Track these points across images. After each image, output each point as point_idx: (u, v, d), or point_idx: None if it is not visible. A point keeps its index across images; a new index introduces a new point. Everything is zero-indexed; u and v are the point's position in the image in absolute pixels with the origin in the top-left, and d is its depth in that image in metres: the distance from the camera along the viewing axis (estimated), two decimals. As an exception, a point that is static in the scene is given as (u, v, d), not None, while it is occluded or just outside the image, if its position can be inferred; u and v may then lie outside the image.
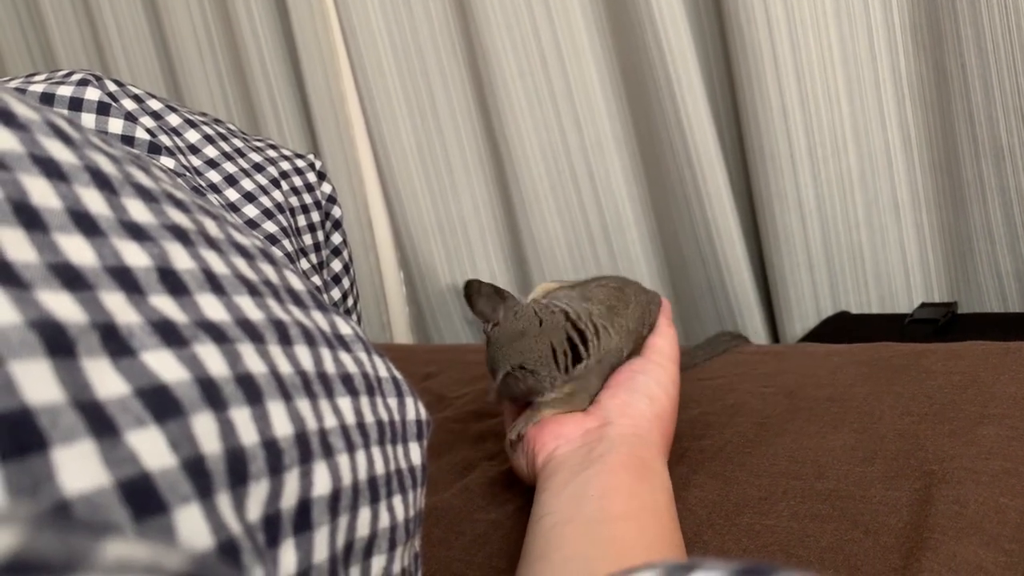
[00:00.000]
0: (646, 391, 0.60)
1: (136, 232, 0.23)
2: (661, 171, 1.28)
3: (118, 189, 0.23)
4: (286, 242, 0.58)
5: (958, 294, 1.15)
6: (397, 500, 0.29)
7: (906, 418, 0.62)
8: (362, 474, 0.27)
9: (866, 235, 1.19)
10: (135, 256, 0.22)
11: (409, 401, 0.33)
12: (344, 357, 0.29)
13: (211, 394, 0.21)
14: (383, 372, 0.32)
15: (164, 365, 0.20)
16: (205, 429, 0.20)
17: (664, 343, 0.65)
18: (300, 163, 0.75)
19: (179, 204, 0.25)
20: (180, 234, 0.24)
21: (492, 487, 0.66)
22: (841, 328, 1.16)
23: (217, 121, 0.74)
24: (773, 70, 1.15)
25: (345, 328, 0.30)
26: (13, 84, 0.54)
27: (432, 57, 1.39)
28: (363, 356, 0.30)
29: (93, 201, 0.22)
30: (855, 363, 0.75)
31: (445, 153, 1.43)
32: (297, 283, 0.29)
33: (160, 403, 0.19)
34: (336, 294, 0.76)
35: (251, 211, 0.58)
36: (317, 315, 0.29)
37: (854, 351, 0.79)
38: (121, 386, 0.19)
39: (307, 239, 0.73)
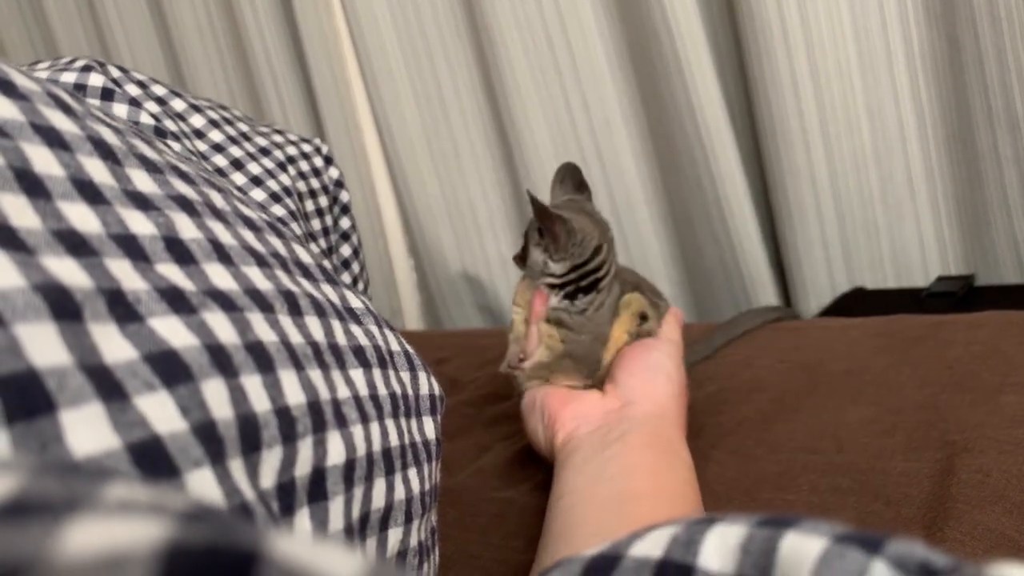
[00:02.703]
0: (664, 369, 0.59)
1: (141, 201, 0.22)
2: (671, 150, 1.27)
3: (121, 159, 0.23)
4: (294, 226, 0.58)
5: (975, 266, 1.14)
6: (412, 473, 0.29)
7: (926, 389, 0.61)
8: (376, 445, 0.27)
9: (881, 210, 1.17)
10: (140, 225, 0.21)
11: (422, 375, 0.33)
12: (355, 329, 0.28)
13: (221, 361, 0.21)
14: (395, 346, 0.31)
15: (172, 331, 0.20)
16: (216, 395, 0.20)
17: (672, 328, 0.64)
18: (306, 148, 0.75)
19: (184, 176, 0.25)
20: (186, 205, 0.24)
21: (507, 467, 0.66)
22: (857, 304, 1.14)
23: (222, 107, 0.74)
24: (783, 45, 1.13)
25: (355, 301, 0.30)
26: (17, 71, 0.53)
27: (436, 39, 1.38)
28: (374, 329, 0.30)
29: (96, 170, 0.21)
30: (873, 336, 0.74)
31: (452, 137, 1.42)
32: (306, 256, 0.29)
33: (169, 368, 0.19)
34: (346, 279, 0.75)
35: (258, 195, 0.57)
36: (327, 288, 0.28)
37: (871, 324, 0.78)
38: (129, 351, 0.18)
39: (315, 224, 0.73)
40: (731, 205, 1.22)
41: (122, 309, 0.19)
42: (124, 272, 0.20)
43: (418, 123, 1.43)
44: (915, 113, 1.13)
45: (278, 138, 0.74)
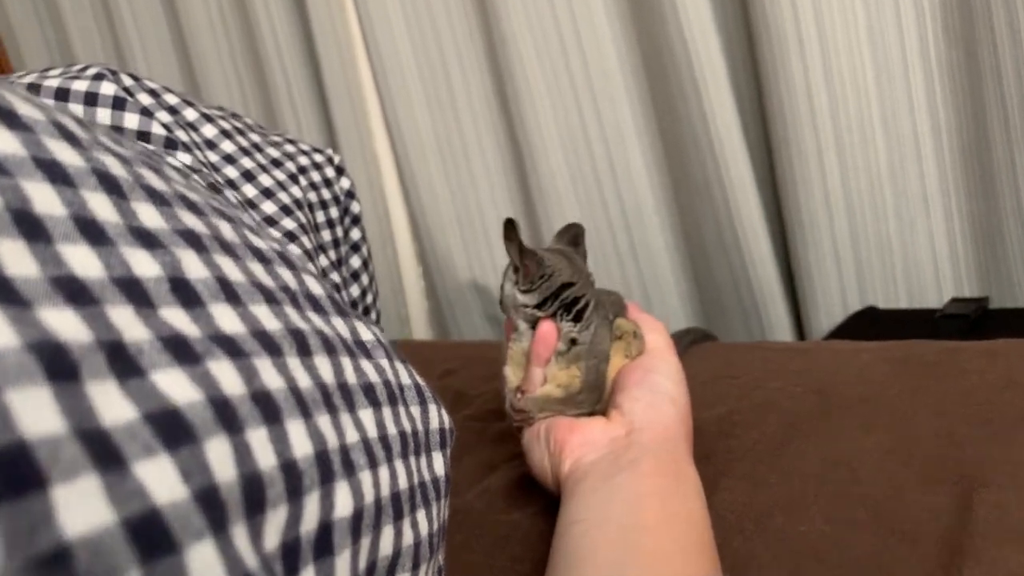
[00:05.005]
0: (667, 391, 0.58)
1: (146, 239, 0.21)
2: (683, 159, 1.26)
3: (127, 193, 0.22)
4: (304, 239, 0.57)
5: (989, 288, 1.12)
6: (421, 515, 0.28)
7: (942, 419, 0.60)
8: (385, 490, 0.26)
9: (895, 226, 1.16)
10: (145, 265, 0.21)
11: (432, 408, 0.32)
12: (366, 365, 0.27)
13: (225, 416, 0.20)
14: (405, 379, 0.30)
15: (175, 386, 0.19)
16: (219, 455, 0.19)
17: (658, 337, 0.62)
18: (318, 158, 0.74)
19: (192, 207, 0.24)
20: (193, 240, 0.23)
21: (513, 489, 0.65)
22: (869, 323, 1.13)
23: (235, 116, 0.73)
24: (798, 54, 1.12)
25: (366, 333, 0.29)
26: (28, 79, 0.53)
27: (450, 46, 1.38)
28: (385, 363, 0.29)
29: (101, 206, 0.21)
30: (886, 360, 0.73)
31: (463, 144, 1.41)
32: (316, 287, 0.28)
33: (171, 429, 0.18)
34: (355, 291, 0.75)
35: (269, 208, 0.57)
36: (337, 321, 0.28)
37: (885, 348, 0.76)
38: (129, 411, 0.18)
39: (325, 235, 0.72)
40: (742, 217, 1.21)
41: (122, 364, 0.18)
42: (126, 320, 0.19)
43: (430, 129, 1.42)
44: (931, 127, 1.12)
45: (290, 148, 0.73)
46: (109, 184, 0.21)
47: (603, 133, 1.31)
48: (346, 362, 0.26)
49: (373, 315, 0.77)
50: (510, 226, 0.57)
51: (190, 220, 0.23)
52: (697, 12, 1.15)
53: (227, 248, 0.24)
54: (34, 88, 0.51)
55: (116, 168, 0.22)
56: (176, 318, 0.20)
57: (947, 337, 1.01)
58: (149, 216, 0.22)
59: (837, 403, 0.66)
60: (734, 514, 0.55)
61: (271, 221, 0.56)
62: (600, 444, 0.55)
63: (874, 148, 1.14)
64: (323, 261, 0.68)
